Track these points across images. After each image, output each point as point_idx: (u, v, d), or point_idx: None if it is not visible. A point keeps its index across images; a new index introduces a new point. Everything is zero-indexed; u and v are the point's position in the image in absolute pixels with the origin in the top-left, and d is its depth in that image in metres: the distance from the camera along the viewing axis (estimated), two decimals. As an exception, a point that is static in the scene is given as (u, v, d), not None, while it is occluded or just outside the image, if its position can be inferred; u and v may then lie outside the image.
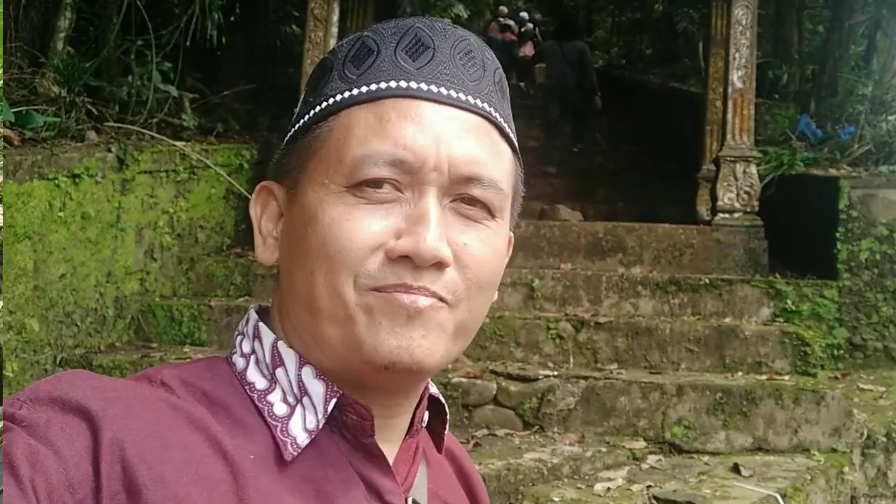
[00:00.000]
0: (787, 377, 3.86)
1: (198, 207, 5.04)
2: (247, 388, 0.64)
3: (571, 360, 4.13)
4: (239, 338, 0.68)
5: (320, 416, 0.63)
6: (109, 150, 4.26)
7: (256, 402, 0.63)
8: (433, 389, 0.73)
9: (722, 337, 4.08)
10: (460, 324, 0.64)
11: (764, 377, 3.84)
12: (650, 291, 4.55)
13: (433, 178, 0.62)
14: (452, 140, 0.63)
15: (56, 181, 3.84)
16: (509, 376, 3.80)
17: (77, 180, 3.98)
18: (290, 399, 0.64)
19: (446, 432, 0.75)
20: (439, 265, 0.61)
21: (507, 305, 4.63)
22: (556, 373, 3.79)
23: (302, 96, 0.72)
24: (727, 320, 4.33)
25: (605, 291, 4.60)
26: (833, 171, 4.93)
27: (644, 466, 3.41)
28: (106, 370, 3.94)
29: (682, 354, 4.09)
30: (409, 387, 0.67)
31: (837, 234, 4.63)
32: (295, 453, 0.61)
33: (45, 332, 3.87)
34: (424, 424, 0.73)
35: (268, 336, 0.67)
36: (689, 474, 3.31)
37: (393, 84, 0.64)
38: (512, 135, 0.69)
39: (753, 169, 4.91)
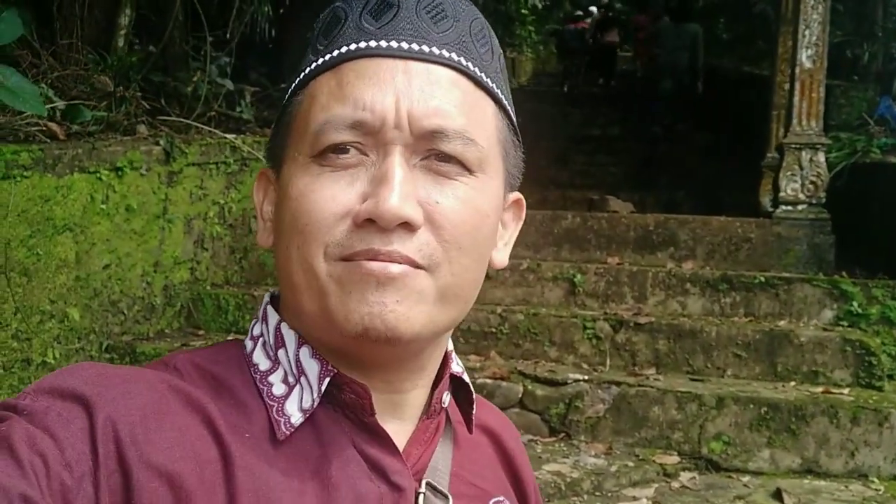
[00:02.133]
0: (846, 390, 3.27)
1: (250, 198, 4.85)
2: (251, 369, 0.61)
3: (608, 362, 3.67)
4: (253, 322, 0.66)
5: (315, 395, 0.59)
6: (157, 143, 4.11)
7: (258, 383, 0.60)
8: (457, 368, 0.66)
9: (774, 342, 3.51)
10: (444, 288, 0.58)
11: (819, 389, 3.26)
12: (699, 289, 4.00)
13: (395, 136, 0.56)
14: (414, 94, 0.57)
15: (98, 174, 3.71)
16: (536, 379, 3.40)
17: (120, 173, 3.85)
18: (290, 379, 0.60)
19: (474, 412, 0.67)
20: (408, 226, 0.55)
21: (546, 301, 4.21)
22: (586, 377, 3.35)
23: None
24: (782, 323, 3.74)
25: (651, 288, 4.09)
26: (914, 160, 4.17)
27: (675, 485, 2.94)
28: (148, 357, 3.82)
29: (729, 360, 3.55)
30: (401, 358, 0.61)
31: (916, 230, 3.91)
32: (288, 432, 0.57)
33: (88, 321, 3.77)
34: (445, 405, 0.66)
35: (273, 318, 0.63)
36: (723, 497, 2.82)
37: (353, 46, 0.59)
38: (492, 85, 0.61)
39: (821, 157, 4.23)
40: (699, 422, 3.12)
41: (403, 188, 0.55)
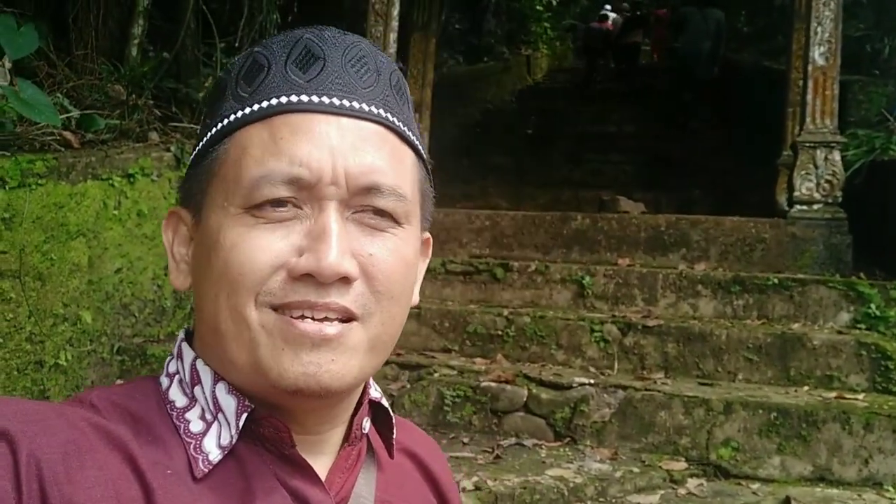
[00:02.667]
0: (861, 395, 3.19)
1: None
2: (168, 406, 0.62)
3: (616, 365, 3.63)
4: (168, 358, 0.66)
5: (233, 431, 0.59)
6: (168, 150, 4.16)
7: (175, 420, 0.61)
8: (375, 394, 0.68)
9: (786, 345, 3.44)
10: (375, 338, 0.60)
11: (833, 394, 3.18)
12: (711, 291, 3.93)
13: (332, 192, 0.58)
14: (348, 151, 0.58)
15: (110, 181, 3.76)
16: (541, 382, 3.37)
17: (132, 179, 3.89)
18: (208, 416, 0.61)
19: (394, 436, 0.69)
20: (345, 279, 0.57)
21: (555, 303, 4.18)
22: (591, 381, 3.31)
23: (203, 118, 0.67)
24: (796, 326, 3.66)
25: (662, 290, 4.03)
26: (935, 157, 4.06)
27: (681, 492, 2.90)
28: (158, 360, 3.86)
29: (740, 364, 3.49)
30: (328, 408, 0.63)
31: (936, 230, 3.80)
32: (206, 470, 0.58)
33: (100, 323, 3.83)
34: (366, 431, 0.67)
35: (188, 355, 0.64)
36: (730, 505, 2.76)
37: (284, 99, 0.60)
38: (413, 137, 0.64)
39: (836, 155, 4.13)
40: (707, 427, 3.07)
41: (341, 244, 0.57)
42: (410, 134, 0.64)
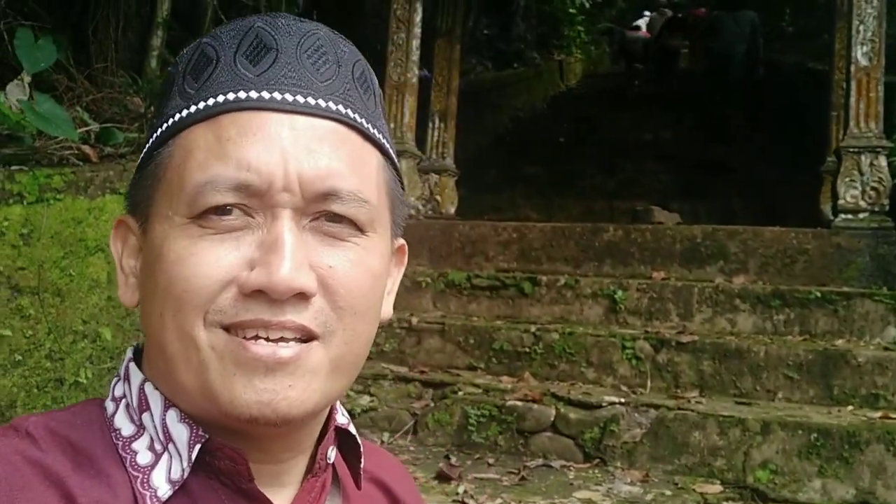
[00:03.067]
0: (909, 415, 3.15)
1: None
2: (113, 435, 0.58)
3: (649, 383, 3.63)
4: (114, 380, 0.62)
5: (185, 464, 0.55)
6: (188, 163, 4.29)
7: (120, 450, 0.57)
8: (342, 420, 0.64)
9: (829, 362, 3.41)
10: (337, 359, 0.56)
11: (878, 414, 3.14)
12: (749, 306, 3.92)
13: (285, 199, 0.54)
14: (302, 154, 0.55)
15: (128, 195, 3.90)
16: (569, 401, 3.39)
17: (151, 193, 4.03)
18: (157, 446, 0.56)
19: (361, 465, 0.65)
20: (302, 295, 0.53)
21: (586, 318, 4.19)
22: (622, 400, 3.32)
23: (151, 117, 0.64)
24: (840, 342, 3.62)
25: (698, 305, 4.02)
26: None
27: (716, 516, 2.89)
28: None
29: (780, 382, 3.46)
30: (285, 435, 0.58)
31: None
32: None
33: (120, 340, 3.95)
34: (331, 461, 0.63)
35: (136, 377, 0.59)
36: (768, 531, 2.75)
37: (231, 96, 0.56)
38: (379, 136, 0.60)
39: (882, 161, 4.09)
40: (744, 448, 3.06)
41: (296, 256, 0.53)
42: (376, 132, 0.60)
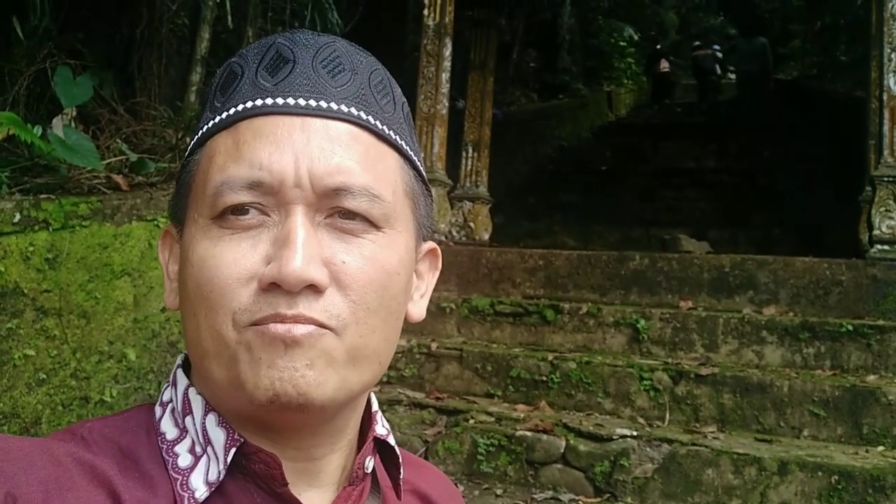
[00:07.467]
0: (945, 458, 2.89)
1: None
2: (159, 439, 0.60)
3: (667, 417, 3.46)
4: (165, 386, 0.64)
5: (221, 466, 0.57)
6: (217, 191, 4.38)
7: (164, 453, 0.59)
8: (381, 431, 0.65)
9: (858, 399, 3.18)
10: (354, 350, 0.57)
11: (909, 456, 2.90)
12: (777, 338, 3.70)
13: (296, 195, 0.56)
14: (314, 152, 0.56)
15: (155, 221, 3.99)
16: (580, 433, 3.25)
17: (179, 220, 4.12)
18: (198, 449, 0.58)
19: (401, 476, 0.66)
20: (314, 288, 0.54)
21: (608, 347, 4.05)
22: (633, 433, 3.17)
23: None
24: (871, 378, 3.38)
25: (723, 336, 3.83)
26: None
27: (727, 559, 2.70)
28: (200, 400, 4.01)
29: (805, 419, 3.24)
30: (313, 424, 0.59)
31: None
32: None
33: (146, 360, 4.02)
34: (368, 470, 0.64)
35: (182, 383, 0.62)
36: (781, 578, 2.55)
37: (249, 104, 0.59)
38: (395, 137, 0.61)
39: (920, 190, 3.85)
40: (760, 489, 2.86)
41: (307, 249, 0.54)
42: (392, 133, 0.61)
